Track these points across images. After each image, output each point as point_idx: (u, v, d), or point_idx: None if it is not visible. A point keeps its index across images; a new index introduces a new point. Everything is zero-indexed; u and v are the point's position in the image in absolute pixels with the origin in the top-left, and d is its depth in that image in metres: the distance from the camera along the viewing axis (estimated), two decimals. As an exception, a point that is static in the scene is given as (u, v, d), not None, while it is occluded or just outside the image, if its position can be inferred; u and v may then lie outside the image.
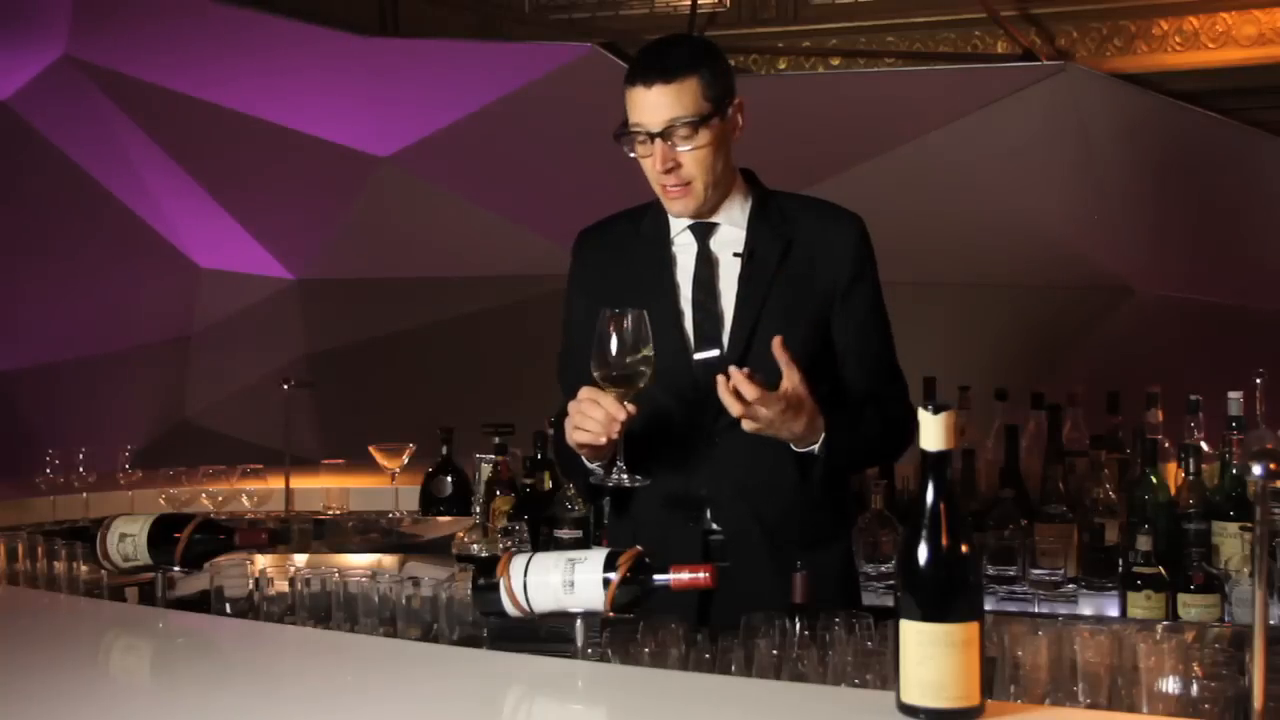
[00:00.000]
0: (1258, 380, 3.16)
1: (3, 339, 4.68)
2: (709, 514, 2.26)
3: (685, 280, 2.28)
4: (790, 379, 2.09)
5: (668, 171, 2.18)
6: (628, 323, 2.05)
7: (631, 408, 2.06)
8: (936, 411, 1.51)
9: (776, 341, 2.10)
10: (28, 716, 1.64)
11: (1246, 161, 3.89)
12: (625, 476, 2.12)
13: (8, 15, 4.11)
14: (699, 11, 4.22)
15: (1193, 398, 3.19)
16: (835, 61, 4.20)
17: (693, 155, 2.18)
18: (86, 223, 4.72)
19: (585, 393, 2.09)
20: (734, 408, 2.05)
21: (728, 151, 2.24)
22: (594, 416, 2.07)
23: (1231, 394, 3.04)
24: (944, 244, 4.04)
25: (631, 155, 2.24)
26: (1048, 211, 4.13)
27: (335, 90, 4.38)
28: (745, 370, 2.06)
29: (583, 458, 2.20)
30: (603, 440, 2.07)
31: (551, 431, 3.46)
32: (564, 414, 2.25)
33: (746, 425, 2.08)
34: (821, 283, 2.27)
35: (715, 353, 2.23)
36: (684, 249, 2.30)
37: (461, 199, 4.70)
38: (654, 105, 2.16)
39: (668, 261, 2.30)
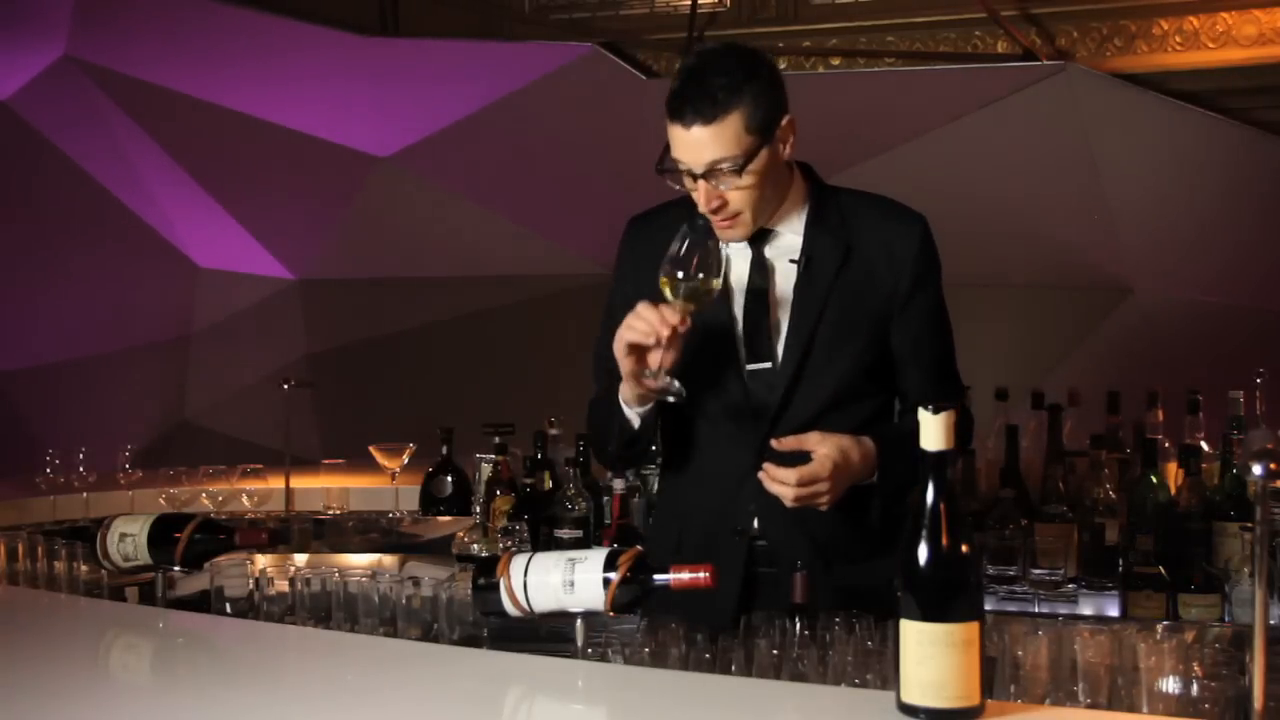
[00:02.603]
0: (1258, 380, 3.16)
1: (3, 339, 4.68)
2: (756, 525, 2.18)
3: (739, 288, 2.18)
4: (819, 452, 2.06)
5: (715, 211, 2.09)
6: (702, 241, 2.00)
7: (689, 321, 2.00)
8: (936, 411, 1.51)
9: (780, 445, 2.09)
10: (28, 716, 1.64)
11: (1246, 161, 3.89)
12: (665, 380, 2.02)
13: (8, 15, 4.11)
14: (699, 11, 4.22)
15: (1193, 398, 3.19)
16: (835, 61, 4.21)
17: (739, 193, 2.09)
18: (86, 222, 4.72)
19: (642, 302, 2.03)
20: (788, 496, 2.04)
21: (778, 170, 2.14)
22: (646, 317, 1.99)
23: (1232, 394, 3.04)
24: (943, 244, 4.01)
25: (677, 188, 2.14)
26: (1048, 211, 4.13)
27: (335, 90, 4.39)
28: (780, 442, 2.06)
29: (620, 397, 2.12)
30: (650, 340, 2.00)
31: (554, 432, 3.48)
32: (596, 400, 2.24)
33: (821, 504, 2.07)
34: (882, 289, 2.18)
35: (768, 365, 2.17)
36: (738, 253, 2.19)
37: (461, 199, 4.71)
38: (695, 146, 2.05)
39: None
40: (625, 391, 2.12)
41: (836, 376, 2.16)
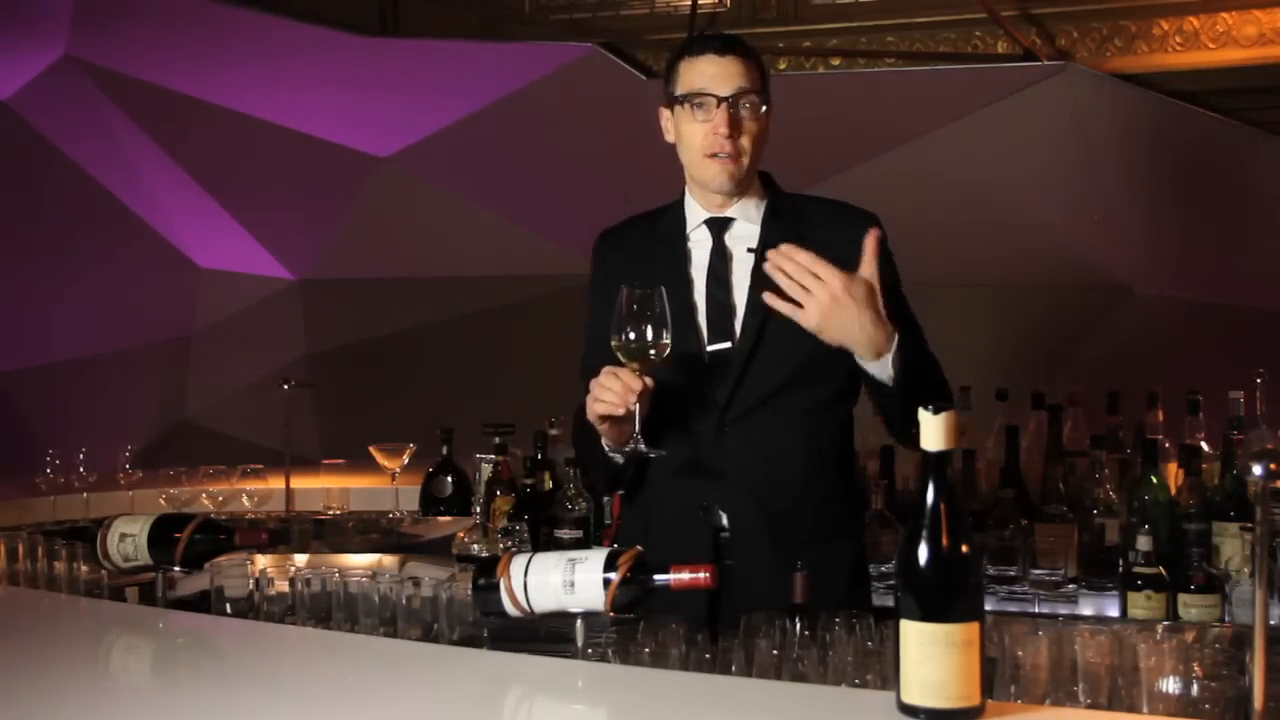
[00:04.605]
0: (1258, 380, 3.16)
1: (3, 339, 4.68)
2: (718, 505, 2.26)
3: (699, 274, 2.32)
4: (868, 269, 2.08)
5: (729, 136, 2.21)
6: (645, 298, 2.09)
7: (649, 380, 2.09)
8: (937, 411, 1.51)
9: (872, 235, 2.10)
10: (28, 716, 1.64)
11: (1246, 161, 3.89)
12: (643, 446, 2.13)
13: (8, 15, 4.11)
14: (699, 11, 4.22)
15: (1193, 398, 3.19)
16: (835, 61, 4.20)
17: (752, 127, 2.24)
18: (86, 223, 4.72)
19: (605, 370, 2.12)
20: (789, 264, 2.04)
21: (764, 146, 2.30)
22: (611, 388, 2.09)
23: (1232, 394, 3.04)
24: (944, 244, 4.04)
25: (670, 139, 2.31)
26: (1048, 211, 4.13)
27: (335, 90, 4.38)
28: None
29: (602, 442, 2.21)
30: (620, 410, 2.09)
31: (554, 432, 3.48)
32: (580, 410, 2.27)
33: (813, 315, 2.04)
34: None
35: (726, 345, 2.26)
36: (699, 244, 2.34)
37: (461, 199, 4.70)
38: (727, 73, 2.23)
39: (683, 256, 2.34)
40: (605, 437, 2.22)
41: (792, 359, 2.24)
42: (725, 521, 2.26)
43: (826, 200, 2.38)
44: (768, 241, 2.28)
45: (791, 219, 2.31)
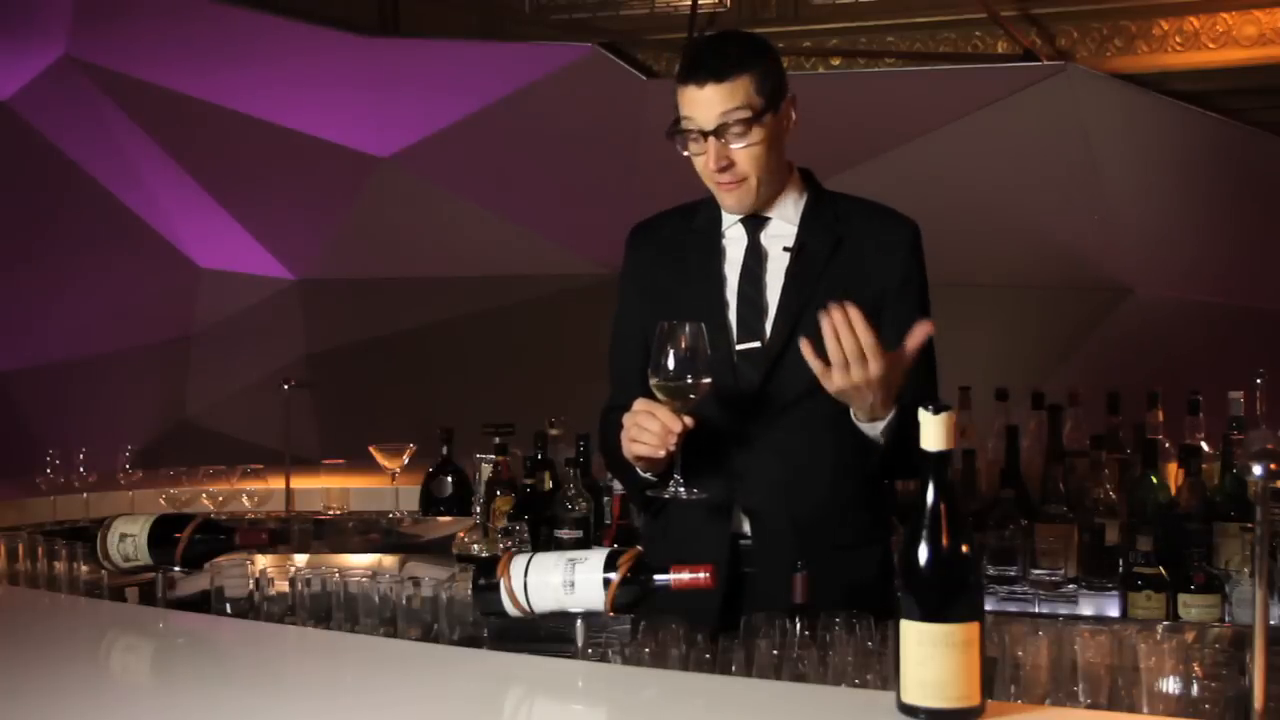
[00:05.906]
0: (1258, 380, 3.17)
1: (3, 339, 4.68)
2: (741, 508, 2.22)
3: (732, 272, 2.26)
4: (911, 348, 2.04)
5: (721, 170, 2.16)
6: (685, 335, 2.03)
7: (689, 420, 2.03)
8: (937, 412, 1.51)
9: (922, 328, 2.04)
10: (28, 716, 1.64)
11: (1246, 161, 3.89)
12: (682, 489, 2.09)
13: (8, 15, 4.11)
14: (699, 12, 4.21)
15: (1193, 398, 3.19)
16: (835, 61, 4.20)
17: (746, 152, 2.16)
18: (86, 223, 4.71)
19: (641, 405, 2.07)
20: (835, 351, 1.97)
21: (781, 147, 2.22)
22: (650, 429, 2.04)
23: (1232, 394, 3.04)
24: (944, 244, 3.98)
25: (685, 154, 2.22)
26: (1048, 211, 4.13)
27: (335, 90, 4.38)
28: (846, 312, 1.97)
29: (637, 468, 2.17)
30: (660, 453, 2.05)
31: (554, 432, 3.48)
32: (610, 410, 2.26)
33: (837, 380, 1.99)
34: (871, 284, 2.22)
35: (756, 344, 2.21)
36: (734, 241, 2.28)
37: (461, 199, 4.70)
38: (707, 103, 2.14)
39: (717, 253, 2.28)
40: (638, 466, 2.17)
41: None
42: (747, 528, 2.22)
43: (868, 201, 2.32)
44: (805, 240, 2.24)
45: (830, 219, 2.26)
